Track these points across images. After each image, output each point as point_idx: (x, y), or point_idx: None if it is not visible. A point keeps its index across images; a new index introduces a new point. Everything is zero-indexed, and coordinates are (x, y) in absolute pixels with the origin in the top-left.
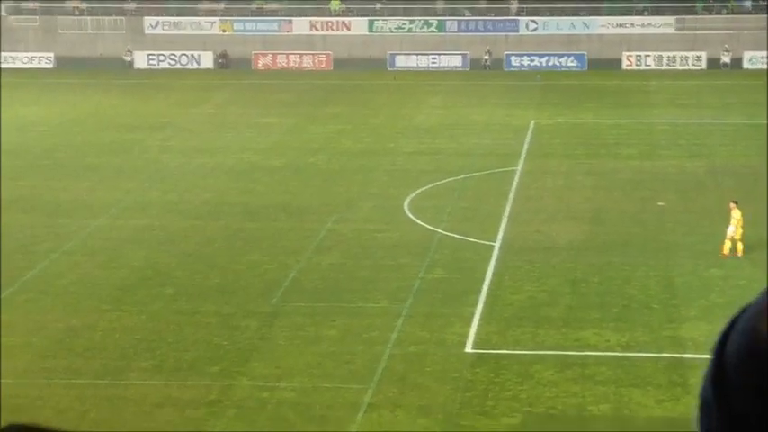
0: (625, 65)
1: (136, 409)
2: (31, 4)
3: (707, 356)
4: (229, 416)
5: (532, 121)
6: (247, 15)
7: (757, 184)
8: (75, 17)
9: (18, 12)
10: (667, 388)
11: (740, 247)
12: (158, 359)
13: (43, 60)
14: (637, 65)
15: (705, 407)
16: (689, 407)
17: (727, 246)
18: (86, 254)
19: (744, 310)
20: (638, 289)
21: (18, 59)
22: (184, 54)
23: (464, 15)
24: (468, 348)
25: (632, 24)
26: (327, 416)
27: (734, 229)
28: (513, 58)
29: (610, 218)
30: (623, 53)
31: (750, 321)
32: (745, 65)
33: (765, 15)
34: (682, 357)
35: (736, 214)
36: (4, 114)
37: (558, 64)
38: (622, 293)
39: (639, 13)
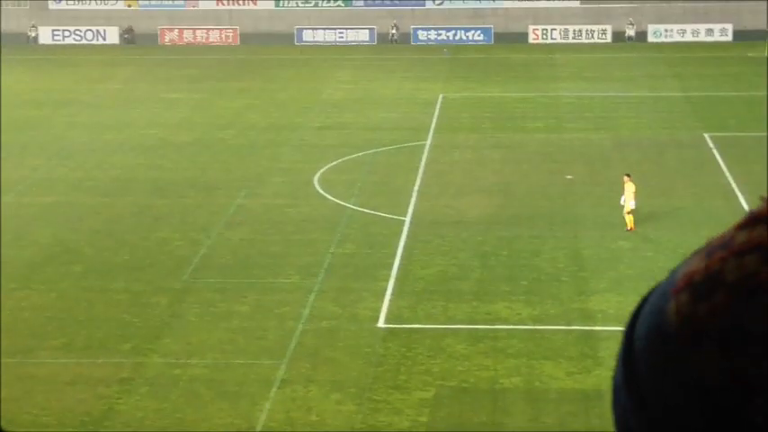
0: (531, 39)
1: (47, 387)
2: None
3: (617, 328)
4: (141, 393)
5: (441, 95)
6: None
7: (662, 156)
8: None
9: None
10: (578, 360)
11: (631, 219)
12: (69, 337)
13: None
14: (543, 38)
15: (617, 389)
16: (600, 378)
17: (630, 219)
18: None
19: (654, 290)
20: (547, 262)
21: None
22: (90, 29)
23: None
24: (381, 323)
25: None
26: (240, 392)
27: (627, 200)
28: (419, 33)
29: (518, 191)
30: (529, 27)
31: (658, 301)
32: (650, 38)
33: None
34: (592, 330)
35: (629, 187)
36: None
37: (464, 38)
38: (532, 266)
39: None
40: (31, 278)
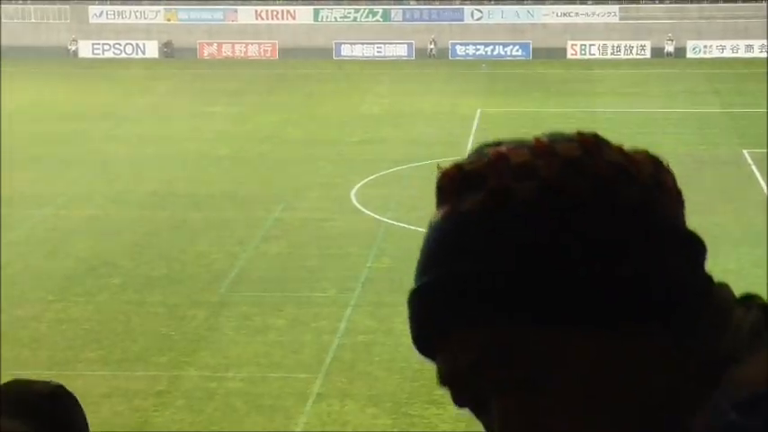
0: (570, 54)
1: (83, 400)
2: None
3: None
4: (177, 406)
5: (478, 110)
6: (192, 4)
7: (700, 172)
8: (19, 5)
9: None
10: None
11: None
12: (106, 350)
13: None
14: (581, 54)
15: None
16: None
17: None
18: (32, 244)
19: None
20: None
21: None
22: (129, 43)
23: (409, 4)
24: None
25: (576, 13)
26: (276, 405)
27: None
28: (458, 47)
29: None
30: (568, 42)
31: None
32: (689, 54)
33: (708, 5)
34: None
35: None
36: None
37: (503, 53)
38: None
39: (583, 1)
40: (69, 290)
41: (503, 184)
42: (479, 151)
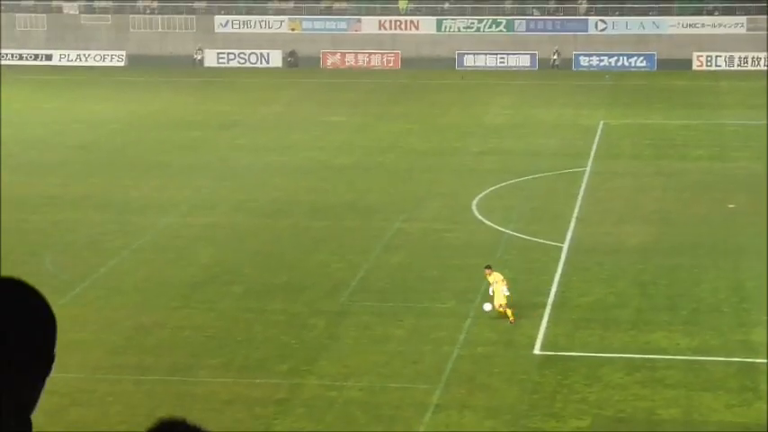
0: (695, 65)
1: (205, 406)
2: (103, 3)
3: None
4: (297, 414)
5: (601, 122)
6: (316, 14)
7: None
8: (147, 16)
9: (91, 10)
10: (738, 393)
11: (509, 311)
12: (227, 357)
13: (115, 58)
14: (707, 65)
15: None
16: (761, 412)
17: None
18: (156, 251)
19: None
20: (707, 292)
21: (90, 57)
22: (254, 52)
23: (533, 15)
24: (537, 350)
25: (703, 24)
26: (395, 416)
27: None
28: (581, 58)
29: (679, 219)
30: (694, 53)
31: None
32: None
33: None
34: (753, 362)
35: (495, 278)
36: (77, 111)
37: (627, 64)
38: (692, 296)
39: (710, 13)
40: (192, 297)
41: None
42: None
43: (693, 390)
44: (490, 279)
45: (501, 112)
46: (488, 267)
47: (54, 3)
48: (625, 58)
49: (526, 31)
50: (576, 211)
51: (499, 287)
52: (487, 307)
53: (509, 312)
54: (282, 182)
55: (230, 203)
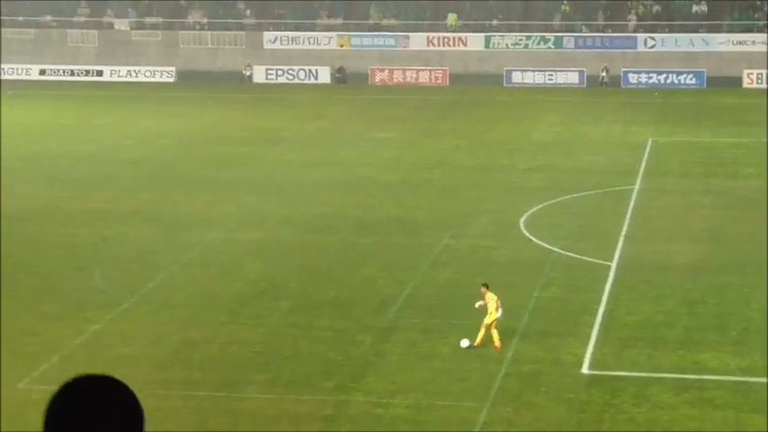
0: (746, 83)
1: (252, 422)
2: (153, 19)
3: None
4: (344, 431)
5: (650, 139)
6: (365, 31)
7: None
8: (196, 32)
9: (141, 26)
10: None
11: (495, 336)
12: (274, 373)
13: (164, 74)
14: (758, 83)
15: None
16: None
17: (494, 336)
18: (204, 266)
19: None
20: (757, 311)
21: (140, 73)
22: (302, 69)
23: (581, 32)
24: (584, 369)
25: (753, 42)
26: None
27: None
28: (630, 76)
29: (728, 238)
30: (744, 71)
31: None
32: None
33: None
34: None
35: (490, 297)
36: (127, 126)
37: (676, 81)
38: (741, 316)
39: (761, 30)
40: (240, 313)
41: None
42: None
43: (742, 411)
44: (486, 298)
45: (549, 129)
46: (485, 286)
47: (105, 19)
48: (674, 75)
49: (575, 47)
50: (625, 228)
51: (493, 306)
52: (464, 343)
53: (495, 336)
54: (330, 197)
55: (277, 219)
